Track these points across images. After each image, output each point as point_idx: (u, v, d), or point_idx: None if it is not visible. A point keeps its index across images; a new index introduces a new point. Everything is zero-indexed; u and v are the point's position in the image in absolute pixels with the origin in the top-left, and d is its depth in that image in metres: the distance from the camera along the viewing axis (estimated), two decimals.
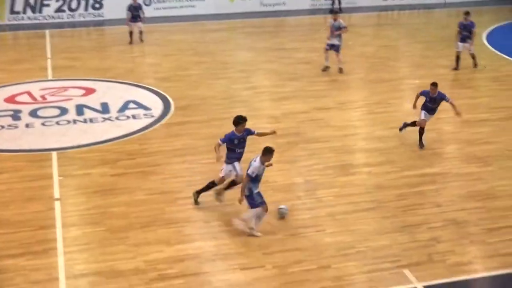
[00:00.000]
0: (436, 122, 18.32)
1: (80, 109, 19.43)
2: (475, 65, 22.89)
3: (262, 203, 12.66)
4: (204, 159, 15.84)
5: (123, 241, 12.52)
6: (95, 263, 11.84)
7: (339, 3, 32.27)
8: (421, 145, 16.64)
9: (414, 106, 16.92)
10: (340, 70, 22.49)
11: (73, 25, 31.53)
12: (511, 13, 32.28)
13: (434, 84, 16.47)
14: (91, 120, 18.65)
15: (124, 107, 19.67)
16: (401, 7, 33.73)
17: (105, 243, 12.46)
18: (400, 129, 17.13)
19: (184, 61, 24.74)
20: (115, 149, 16.76)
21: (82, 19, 31.93)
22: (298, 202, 14.14)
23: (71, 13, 31.87)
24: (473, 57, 22.79)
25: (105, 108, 19.50)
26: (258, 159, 12.52)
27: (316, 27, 29.47)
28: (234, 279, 11.51)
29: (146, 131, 17.99)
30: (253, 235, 12.74)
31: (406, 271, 11.73)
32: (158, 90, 21.08)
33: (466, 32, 22.39)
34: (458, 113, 16.59)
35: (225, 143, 13.43)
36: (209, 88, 21.38)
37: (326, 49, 22.50)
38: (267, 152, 12.51)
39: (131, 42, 27.02)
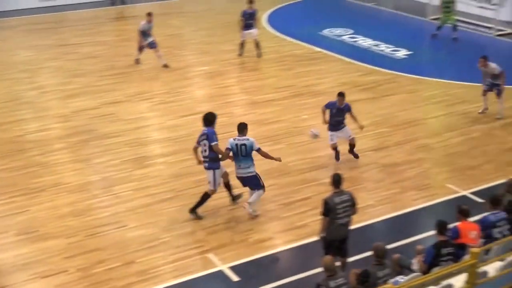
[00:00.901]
0: (227, 106, 18.78)
1: None
2: (259, 54, 23.16)
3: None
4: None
5: None
6: None
7: None
8: (337, 158, 15.36)
9: (325, 122, 15.19)
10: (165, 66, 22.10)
11: None
12: None
13: (341, 94, 14.99)
14: None
15: None
16: None
17: None
18: (337, 159, 15.41)
19: None
20: None
21: None
22: (96, 200, 13.85)
23: None
24: (258, 45, 23.22)
25: None
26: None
27: (99, 21, 28.88)
28: None
29: None
30: (256, 216, 13.09)
31: (211, 255, 11.96)
32: None
33: (251, 20, 22.80)
34: (361, 127, 15.23)
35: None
36: None
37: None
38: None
39: None
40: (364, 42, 25.12)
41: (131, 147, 16.24)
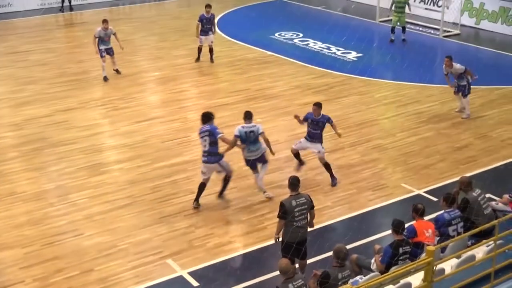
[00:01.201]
0: (181, 111, 18.78)
1: None
2: (212, 60, 23.22)
3: None
4: None
5: None
6: None
7: (69, 1, 31.49)
8: (300, 163, 15.03)
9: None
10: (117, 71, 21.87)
11: None
12: (236, 0, 33.80)
13: (317, 105, 14.28)
14: None
15: None
16: (132, 1, 33.80)
17: None
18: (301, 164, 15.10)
19: None
20: None
21: None
22: (52, 209, 13.70)
23: None
24: (211, 50, 23.11)
25: None
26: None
27: (47, 27, 28.52)
28: None
29: None
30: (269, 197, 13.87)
31: (170, 261, 11.95)
32: None
33: (208, 25, 22.72)
34: (339, 134, 14.72)
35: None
36: None
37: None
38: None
39: None
40: (315, 45, 25.36)
41: (86, 154, 16.10)
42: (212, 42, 23.04)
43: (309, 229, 11.10)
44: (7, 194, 14.23)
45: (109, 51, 21.53)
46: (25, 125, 17.86)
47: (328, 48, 24.75)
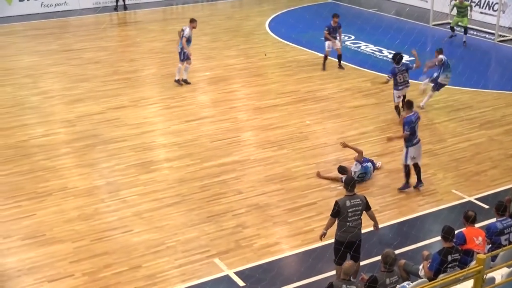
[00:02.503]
0: (231, 111, 18.85)
1: None
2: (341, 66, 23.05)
3: None
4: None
5: None
6: None
7: (124, 0, 31.92)
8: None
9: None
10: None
11: None
12: (289, 1, 33.78)
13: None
14: None
15: None
16: (185, 1, 34.10)
17: None
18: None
19: None
20: None
21: None
22: (102, 205, 13.89)
23: None
24: (339, 57, 22.89)
25: None
26: None
27: (101, 26, 28.94)
28: None
29: None
30: None
31: (217, 260, 12.00)
32: None
33: (334, 34, 22.63)
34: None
35: None
36: None
37: None
38: None
39: None
40: (367, 48, 25.19)
41: (136, 152, 16.28)
42: (339, 47, 22.76)
43: (373, 230, 11.23)
44: (59, 189, 14.47)
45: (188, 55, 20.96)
46: (77, 122, 18.15)
47: (380, 51, 24.55)
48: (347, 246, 10.72)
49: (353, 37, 26.49)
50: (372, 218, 11.10)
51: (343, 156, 15.79)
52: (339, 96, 20.15)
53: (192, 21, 21.05)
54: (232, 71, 22.69)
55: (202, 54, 24.59)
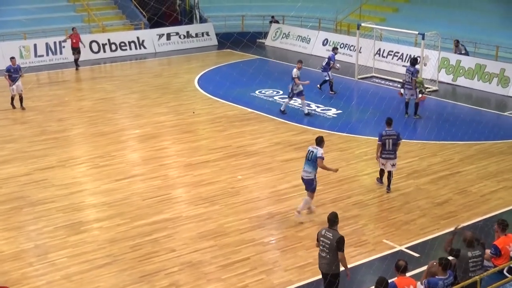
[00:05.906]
0: (161, 169, 18.73)
1: None
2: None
3: None
4: None
5: None
6: None
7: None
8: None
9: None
10: None
11: None
12: (217, 58, 34.20)
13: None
14: None
15: None
16: (113, 60, 34.07)
17: None
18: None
19: None
20: None
21: None
22: (30, 269, 13.45)
23: None
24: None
25: None
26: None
27: (28, 86, 28.52)
28: None
29: None
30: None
31: None
32: None
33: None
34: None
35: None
36: None
37: None
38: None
39: None
40: (295, 102, 25.54)
41: (65, 213, 15.93)
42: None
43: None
44: None
45: (301, 93, 23.86)
46: (3, 184, 17.68)
47: (308, 105, 24.92)
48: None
49: (281, 92, 26.85)
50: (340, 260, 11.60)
51: (276, 210, 15.84)
52: (270, 150, 20.31)
53: (300, 61, 24.11)
54: (162, 128, 22.65)
55: (131, 112, 24.53)
